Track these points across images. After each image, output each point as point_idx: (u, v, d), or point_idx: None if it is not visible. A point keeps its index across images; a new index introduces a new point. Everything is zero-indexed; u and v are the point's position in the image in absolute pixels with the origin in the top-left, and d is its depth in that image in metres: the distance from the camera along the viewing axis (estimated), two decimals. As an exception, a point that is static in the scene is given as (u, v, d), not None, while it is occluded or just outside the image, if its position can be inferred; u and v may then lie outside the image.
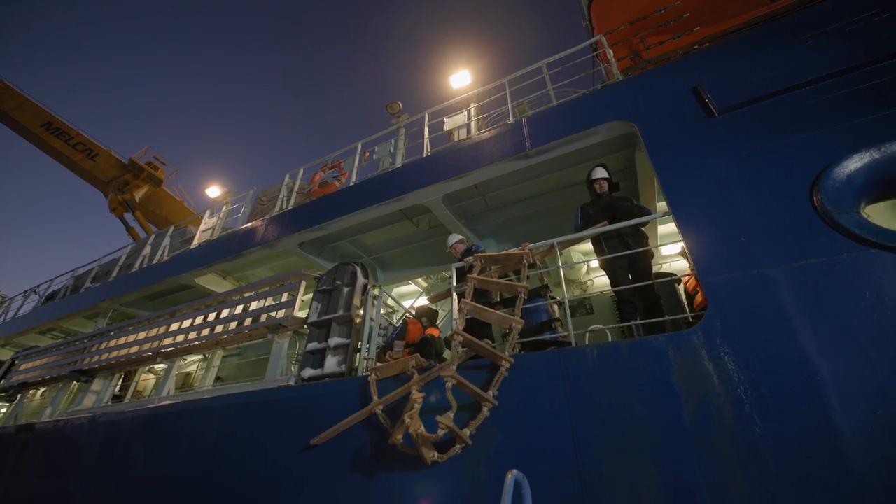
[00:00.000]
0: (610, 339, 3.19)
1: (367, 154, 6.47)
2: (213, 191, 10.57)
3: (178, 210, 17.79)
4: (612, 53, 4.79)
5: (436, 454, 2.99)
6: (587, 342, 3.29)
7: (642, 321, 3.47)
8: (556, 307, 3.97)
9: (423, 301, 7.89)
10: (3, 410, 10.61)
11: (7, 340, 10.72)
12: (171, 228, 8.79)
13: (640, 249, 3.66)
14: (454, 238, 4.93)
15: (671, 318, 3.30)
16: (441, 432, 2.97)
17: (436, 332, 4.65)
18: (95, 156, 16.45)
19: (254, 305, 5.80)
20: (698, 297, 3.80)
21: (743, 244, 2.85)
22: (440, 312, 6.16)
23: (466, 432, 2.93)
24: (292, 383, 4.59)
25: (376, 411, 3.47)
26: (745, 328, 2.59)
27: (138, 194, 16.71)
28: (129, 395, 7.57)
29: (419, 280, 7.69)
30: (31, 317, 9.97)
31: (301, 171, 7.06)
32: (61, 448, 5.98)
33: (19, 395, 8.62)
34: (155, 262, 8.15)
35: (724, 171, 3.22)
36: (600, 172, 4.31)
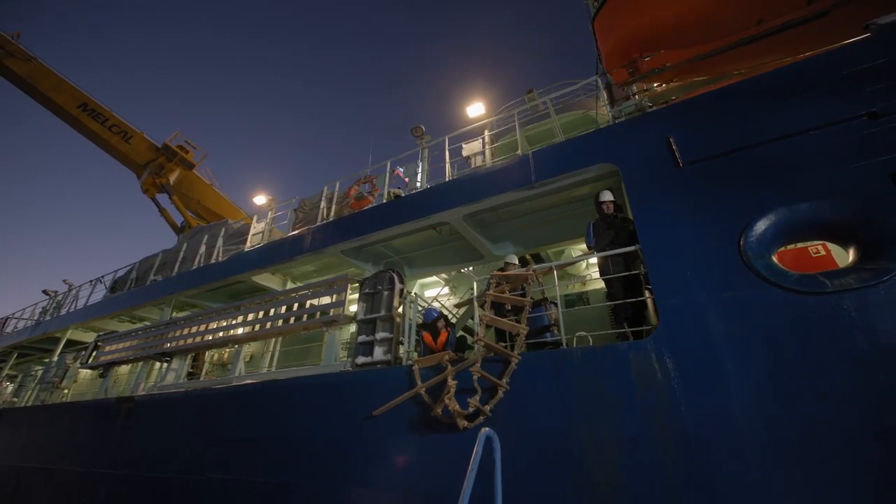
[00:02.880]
0: (591, 343, 4.36)
1: (396, 172, 7.51)
2: (260, 199, 11.86)
3: (208, 193, 18.37)
4: (605, 95, 5.64)
5: (466, 423, 4.26)
6: (575, 345, 4.45)
7: (620, 330, 4.59)
8: (554, 313, 5.11)
9: (445, 291, 9.14)
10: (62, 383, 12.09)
11: (83, 324, 12.44)
12: (223, 230, 10.06)
13: (635, 272, 4.66)
14: (512, 259, 5.91)
15: (645, 328, 4.42)
16: (470, 409, 4.23)
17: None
18: (130, 138, 17.14)
19: (308, 303, 7.08)
20: None
21: (687, 277, 3.91)
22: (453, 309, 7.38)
23: (487, 408, 4.18)
24: (349, 368, 5.91)
25: (421, 392, 4.74)
26: (682, 340, 3.71)
27: (172, 178, 17.36)
28: (202, 374, 9.14)
29: (442, 276, 8.89)
30: (107, 304, 11.58)
31: (338, 185, 8.16)
32: (162, 416, 7.52)
33: (107, 373, 10.29)
34: (212, 261, 9.49)
35: (683, 217, 4.22)
36: (607, 195, 5.20)
